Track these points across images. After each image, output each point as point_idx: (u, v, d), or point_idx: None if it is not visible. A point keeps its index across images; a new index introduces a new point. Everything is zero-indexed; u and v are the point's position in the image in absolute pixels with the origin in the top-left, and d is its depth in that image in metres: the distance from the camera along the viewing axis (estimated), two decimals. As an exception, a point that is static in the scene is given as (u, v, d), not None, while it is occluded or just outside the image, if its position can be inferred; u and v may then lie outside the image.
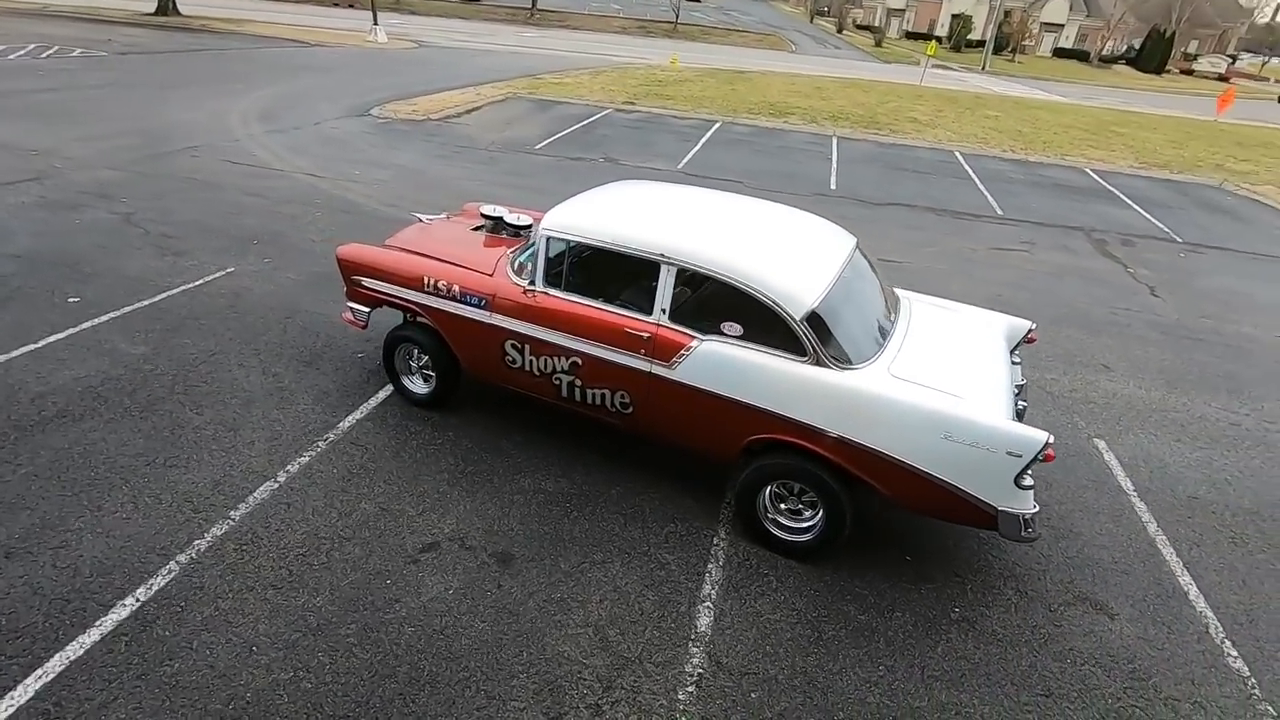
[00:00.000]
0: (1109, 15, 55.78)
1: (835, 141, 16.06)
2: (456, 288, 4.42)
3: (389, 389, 5.17)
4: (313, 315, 6.16)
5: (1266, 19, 77.82)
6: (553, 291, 4.14)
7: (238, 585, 3.48)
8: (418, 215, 5.63)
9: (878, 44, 52.42)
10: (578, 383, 4.21)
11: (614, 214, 4.24)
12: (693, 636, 3.45)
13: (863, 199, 11.73)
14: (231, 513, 3.92)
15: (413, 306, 4.66)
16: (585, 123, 15.69)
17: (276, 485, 4.16)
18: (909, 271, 8.57)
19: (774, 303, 3.63)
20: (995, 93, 29.87)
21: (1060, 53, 56.87)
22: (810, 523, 3.90)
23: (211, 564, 3.58)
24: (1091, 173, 15.34)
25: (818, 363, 3.60)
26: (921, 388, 3.53)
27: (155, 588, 3.42)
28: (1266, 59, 66.20)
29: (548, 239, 4.13)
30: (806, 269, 3.83)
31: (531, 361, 4.31)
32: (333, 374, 5.33)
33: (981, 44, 49.93)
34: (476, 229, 5.18)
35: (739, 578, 3.82)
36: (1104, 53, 55.78)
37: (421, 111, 15.23)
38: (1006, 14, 48.46)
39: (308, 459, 4.40)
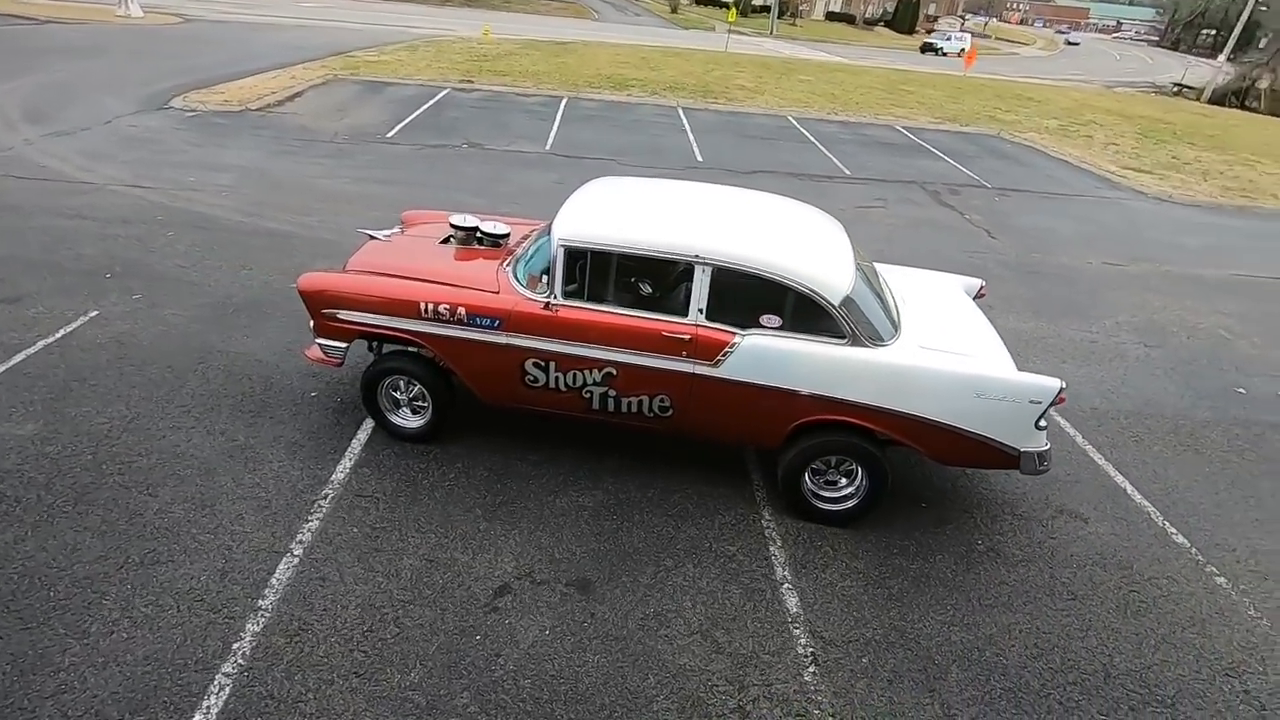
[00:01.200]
0: (867, -19, 62.13)
1: (681, 112, 16.51)
2: (462, 310, 4.09)
3: (367, 427, 4.68)
4: (233, 356, 5.34)
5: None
6: (576, 303, 3.99)
7: (314, 682, 3.06)
8: (368, 233, 5.05)
9: (674, 10, 54.02)
10: (612, 393, 4.12)
11: (630, 218, 4.15)
12: (789, 619, 3.62)
13: (731, 169, 12.27)
14: (260, 602, 3.40)
15: (407, 336, 4.23)
16: (429, 105, 14.68)
17: (296, 560, 3.65)
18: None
19: (813, 291, 3.81)
20: (796, 56, 32.21)
21: (831, 16, 62.40)
22: (847, 490, 4.20)
23: (269, 667, 3.10)
24: (902, 129, 17.26)
25: (856, 343, 3.85)
26: (948, 354, 3.93)
27: (213, 712, 2.91)
28: (987, 20, 77.64)
29: (566, 250, 3.94)
30: (831, 256, 4.05)
31: (558, 378, 4.13)
32: (292, 421, 4.70)
33: (765, 9, 53.35)
34: (444, 241, 4.78)
35: (801, 554, 4.04)
36: (867, 16, 62.15)
37: (235, 100, 13.33)
38: (784, -20, 52.11)
39: (316, 523, 3.90)
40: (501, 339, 4.09)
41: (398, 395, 4.51)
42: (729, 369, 3.92)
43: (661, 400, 4.10)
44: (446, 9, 40.75)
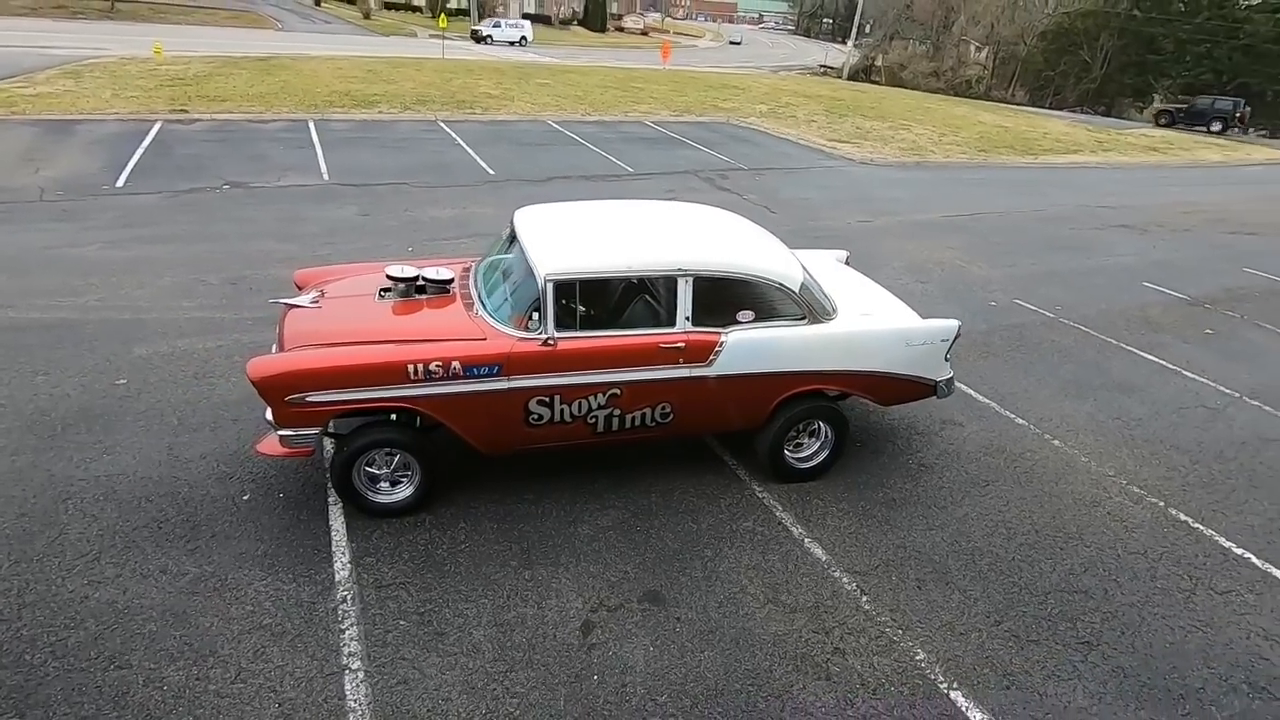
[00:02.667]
0: (554, -17, 64.62)
1: (445, 125, 16.04)
2: (457, 364, 3.89)
3: (338, 514, 4.21)
4: (105, 481, 4.33)
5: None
6: (573, 334, 4.04)
7: (471, 781, 2.86)
8: (285, 302, 4.40)
9: (366, 16, 50.90)
10: (616, 413, 4.26)
11: (602, 244, 4.29)
12: (824, 566, 4.18)
13: (528, 179, 12.39)
14: (352, 730, 3.02)
15: (394, 405, 3.89)
16: (148, 143, 12.37)
17: (361, 675, 3.27)
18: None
19: (780, 284, 4.36)
20: (516, 60, 32.62)
21: (527, 17, 63.88)
22: (815, 448, 4.87)
23: (411, 787, 2.82)
24: (652, 124, 18.73)
25: (815, 321, 4.49)
26: (878, 316, 4.76)
27: None
28: (663, 15, 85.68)
29: (555, 284, 3.97)
30: (779, 251, 4.62)
31: (563, 410, 4.15)
32: (243, 534, 4.03)
33: (461, 12, 52.86)
34: (382, 296, 4.41)
35: (803, 512, 4.62)
36: (561, 16, 64.74)
37: None
38: (476, -18, 51.98)
39: (353, 629, 3.49)
40: (502, 385, 3.99)
41: (376, 471, 4.13)
42: (720, 366, 4.31)
43: (663, 408, 4.35)
44: (83, 23, 33.74)
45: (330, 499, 4.33)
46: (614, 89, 23.49)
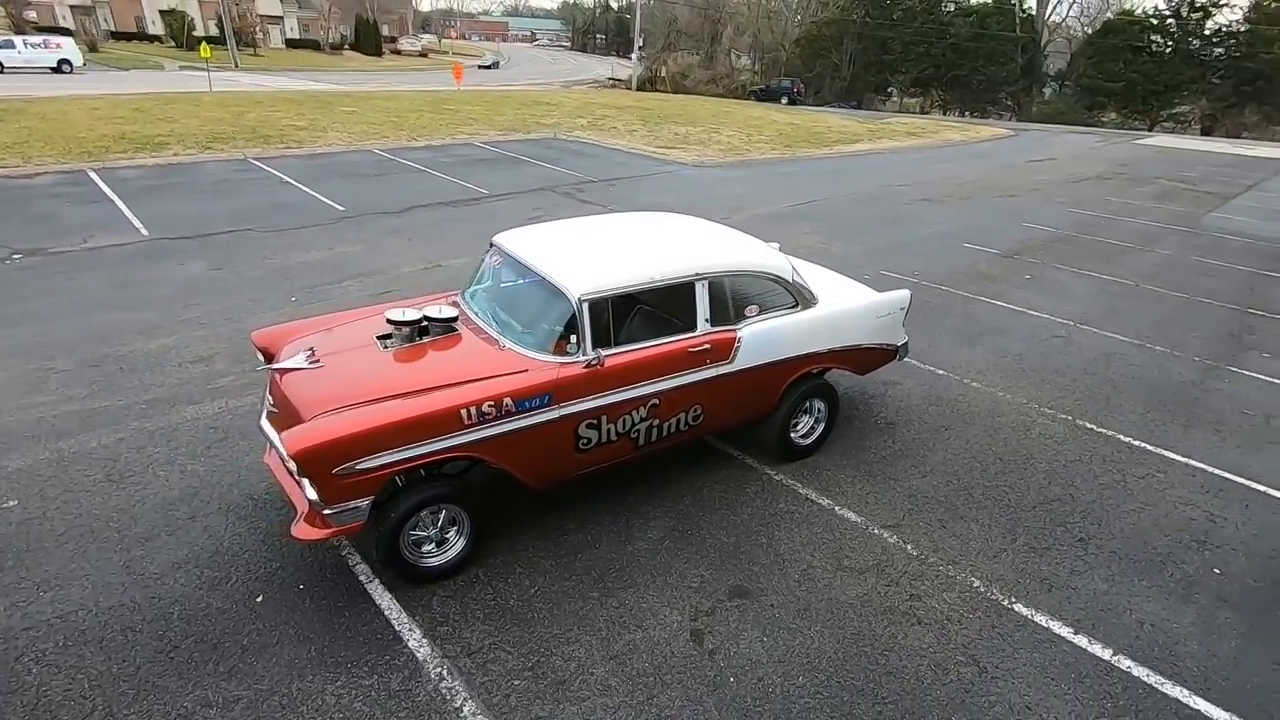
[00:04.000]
0: (319, 6, 60.33)
1: (260, 163, 14.47)
2: (508, 400, 3.67)
3: (380, 592, 3.77)
4: (54, 624, 3.48)
5: (422, 5, 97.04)
6: (612, 352, 3.99)
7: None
8: (277, 368, 3.79)
9: (93, 48, 43.93)
10: (655, 423, 4.27)
11: (620, 259, 4.28)
12: (862, 528, 4.52)
13: (383, 211, 11.61)
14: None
15: (451, 456, 3.57)
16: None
17: (503, 746, 3.00)
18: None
19: (778, 277, 4.64)
20: (302, 89, 30.12)
21: (292, 43, 59.07)
22: (810, 425, 5.23)
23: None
24: (483, 145, 18.37)
25: (807, 307, 4.84)
26: (849, 297, 5.21)
27: None
28: (438, 37, 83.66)
29: (586, 305, 3.89)
30: (763, 245, 4.88)
31: (609, 430, 4.08)
32: (282, 641, 3.46)
33: (215, 40, 47.66)
34: (385, 344, 4.01)
35: (820, 485, 4.94)
36: (331, 41, 60.70)
37: None
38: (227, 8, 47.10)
39: (468, 704, 3.18)
40: (554, 414, 3.84)
41: (423, 533, 3.76)
42: (740, 361, 4.49)
43: (695, 411, 4.43)
44: None
45: (362, 576, 3.87)
46: (428, 112, 22.65)
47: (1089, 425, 5.96)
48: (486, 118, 22.54)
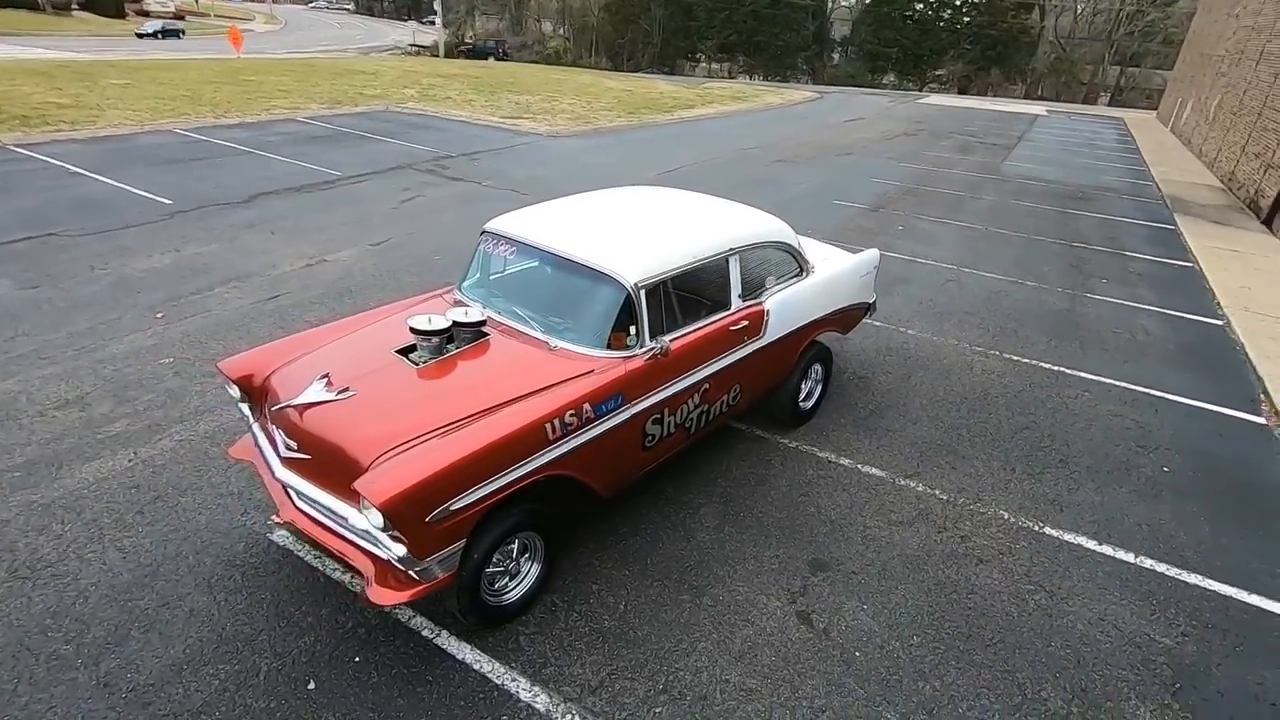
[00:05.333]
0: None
1: (30, 151, 11.63)
2: (587, 406, 3.27)
3: (456, 644, 3.26)
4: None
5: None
6: (668, 340, 3.70)
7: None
8: (299, 404, 2.98)
9: None
10: (705, 408, 4.07)
11: (656, 239, 3.97)
12: (894, 482, 4.71)
13: (222, 202, 9.89)
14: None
15: (539, 476, 3.11)
16: None
17: (679, 782, 2.73)
18: (404, 248, 8.77)
19: (790, 246, 4.59)
20: (35, 58, 24.62)
21: (6, 3, 47.96)
22: (810, 389, 5.30)
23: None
24: (308, 120, 16.29)
25: (808, 273, 4.85)
26: (834, 260, 5.30)
27: None
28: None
29: (644, 293, 3.57)
30: (768, 216, 4.77)
31: (670, 422, 3.81)
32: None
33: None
34: (410, 357, 3.39)
35: (836, 445, 5.04)
36: (55, 0, 50.07)
37: None
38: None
39: (618, 746, 2.86)
40: (626, 413, 3.50)
41: (498, 569, 3.29)
42: (769, 334, 4.40)
43: (734, 391, 4.28)
44: None
45: (426, 631, 3.33)
46: (226, 85, 19.59)
47: (1014, 357, 6.67)
48: (300, 89, 19.99)
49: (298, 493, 3.12)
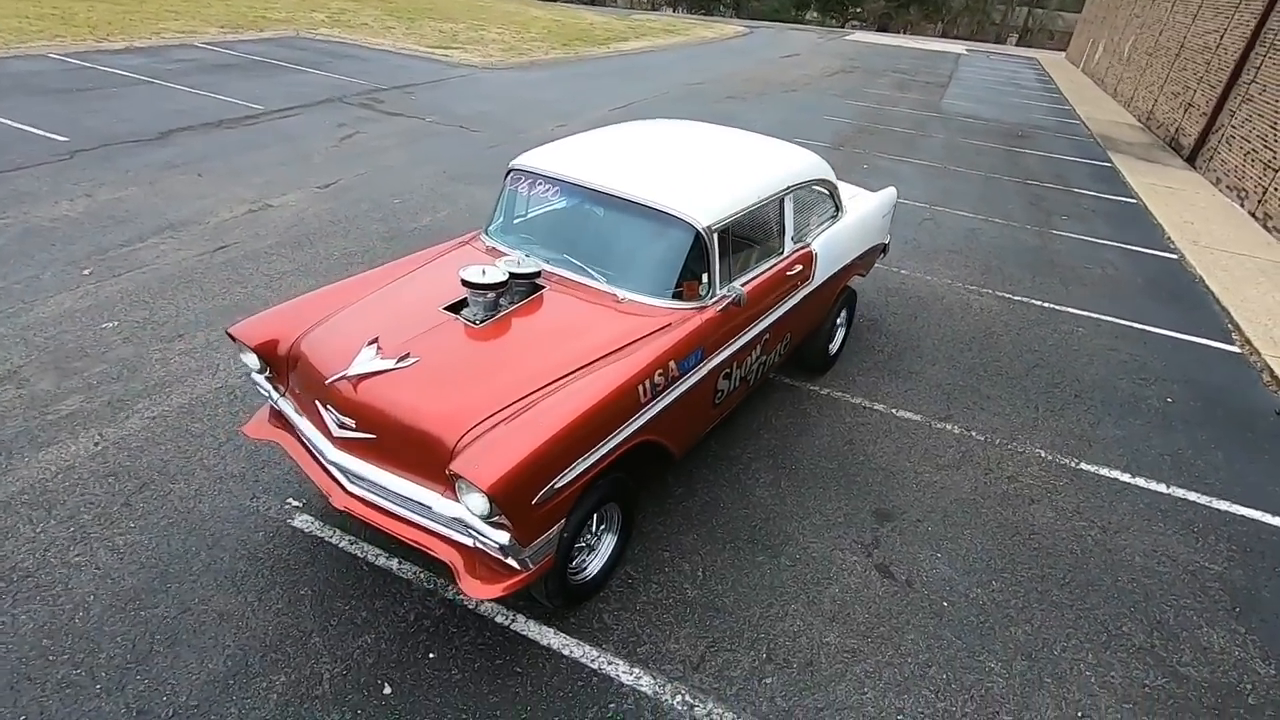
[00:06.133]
0: None
1: None
2: (673, 364, 2.96)
3: (537, 629, 2.98)
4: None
5: None
6: (740, 287, 3.40)
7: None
8: (349, 374, 2.49)
9: None
10: (764, 359, 3.84)
11: (718, 178, 3.62)
12: (929, 425, 4.66)
13: (129, 139, 8.63)
14: None
15: (633, 443, 2.80)
16: None
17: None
18: (357, 191, 7.97)
19: (829, 185, 4.33)
20: None
21: None
22: (837, 331, 5.12)
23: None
24: (207, 46, 14.45)
25: (842, 214, 4.62)
26: (861, 198, 5.08)
27: None
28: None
29: (716, 236, 3.23)
30: (806, 153, 4.47)
31: (736, 376, 3.56)
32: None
33: None
34: (464, 315, 2.95)
35: (865, 390, 4.94)
36: None
37: None
38: None
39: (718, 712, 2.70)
40: (704, 369, 3.21)
41: (579, 546, 2.99)
42: (817, 278, 4.17)
43: (786, 340, 4.06)
44: None
45: (500, 617, 3.02)
46: (99, 1, 17.05)
47: (1005, 295, 6.76)
48: (191, 10, 17.67)
49: (355, 477, 2.68)
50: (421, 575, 3.18)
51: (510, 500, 2.30)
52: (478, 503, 2.32)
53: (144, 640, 2.80)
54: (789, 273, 3.86)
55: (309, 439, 2.79)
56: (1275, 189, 9.75)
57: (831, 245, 4.32)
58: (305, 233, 6.60)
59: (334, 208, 7.24)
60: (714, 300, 3.27)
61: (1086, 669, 3.07)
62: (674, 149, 4.01)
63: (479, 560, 2.55)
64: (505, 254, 3.45)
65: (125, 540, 3.24)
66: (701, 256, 3.23)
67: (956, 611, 3.29)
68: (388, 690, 2.71)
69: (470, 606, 3.07)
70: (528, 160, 3.65)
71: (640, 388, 2.81)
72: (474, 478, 2.25)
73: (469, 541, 2.54)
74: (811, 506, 3.84)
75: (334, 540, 3.34)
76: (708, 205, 3.27)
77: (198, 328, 4.95)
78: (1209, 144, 12.78)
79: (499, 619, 3.03)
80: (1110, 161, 12.94)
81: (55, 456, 3.69)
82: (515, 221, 3.69)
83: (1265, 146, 10.42)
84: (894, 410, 4.77)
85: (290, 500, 3.53)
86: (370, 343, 2.72)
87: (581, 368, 2.78)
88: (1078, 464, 4.42)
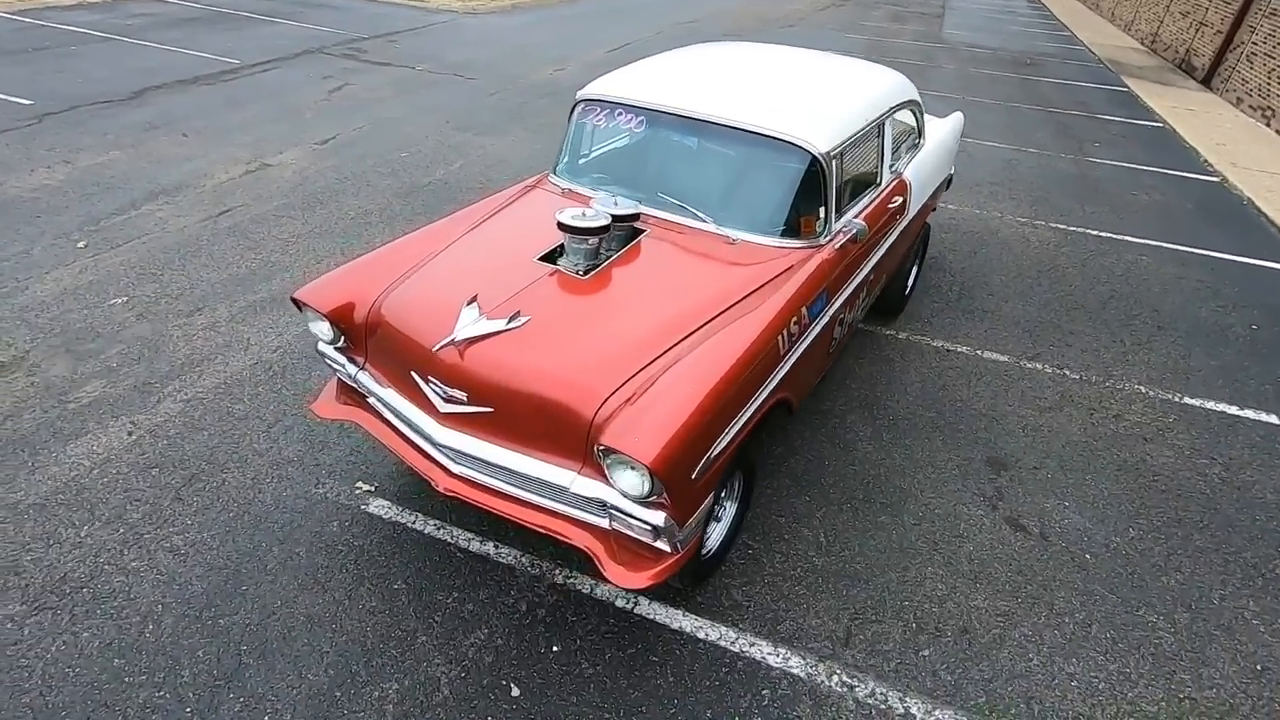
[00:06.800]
0: None
1: None
2: (804, 310, 2.61)
3: (668, 613, 2.69)
4: None
5: None
6: (860, 221, 3.03)
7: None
8: (459, 339, 2.12)
9: None
10: (866, 300, 3.50)
11: (821, 100, 3.22)
12: (1018, 362, 4.38)
13: (102, 100, 7.90)
14: None
15: (773, 401, 2.48)
16: None
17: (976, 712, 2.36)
18: (358, 146, 7.40)
19: (919, 109, 3.93)
20: None
21: None
22: (911, 269, 4.76)
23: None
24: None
25: (923, 140, 4.23)
26: (937, 126, 4.68)
27: None
28: None
29: (835, 163, 2.85)
30: (894, 70, 4.04)
31: (846, 320, 3.22)
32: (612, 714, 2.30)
33: None
34: (565, 265, 2.57)
35: (946, 333, 4.63)
36: None
37: None
38: None
39: (896, 697, 2.44)
40: (828, 315, 2.86)
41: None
42: (910, 211, 3.81)
43: (882, 280, 3.73)
44: None
45: (620, 601, 2.72)
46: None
47: (1060, 226, 6.44)
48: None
49: (463, 456, 2.32)
50: (525, 560, 2.86)
51: (673, 475, 1.97)
52: (634, 481, 1.98)
53: (229, 653, 2.47)
54: (889, 204, 3.48)
55: (407, 417, 2.42)
56: (1307, 105, 9.44)
57: (920, 174, 3.94)
58: (312, 192, 6.08)
59: (338, 164, 6.68)
60: (830, 237, 2.90)
61: (1252, 617, 2.86)
62: (759, 71, 3.56)
63: (619, 544, 2.23)
64: (585, 194, 3.04)
65: (184, 540, 2.88)
66: (817, 188, 2.85)
67: (1101, 564, 3.05)
68: (516, 692, 2.41)
69: (586, 591, 2.77)
70: (601, 88, 3.21)
71: (779, 339, 2.46)
72: (633, 451, 1.91)
73: (604, 524, 2.22)
74: (921, 459, 3.57)
75: (417, 525, 3.00)
76: (822, 129, 2.87)
77: (217, 300, 4.49)
78: (1226, 63, 12.40)
79: (619, 603, 2.73)
80: (1125, 86, 12.53)
81: (86, 449, 3.29)
82: (587, 159, 3.27)
83: (1294, 62, 10.08)
84: (979, 351, 4.48)
85: (360, 484, 3.18)
86: (469, 302, 2.33)
87: (710, 320, 2.42)
88: (1181, 398, 4.17)
